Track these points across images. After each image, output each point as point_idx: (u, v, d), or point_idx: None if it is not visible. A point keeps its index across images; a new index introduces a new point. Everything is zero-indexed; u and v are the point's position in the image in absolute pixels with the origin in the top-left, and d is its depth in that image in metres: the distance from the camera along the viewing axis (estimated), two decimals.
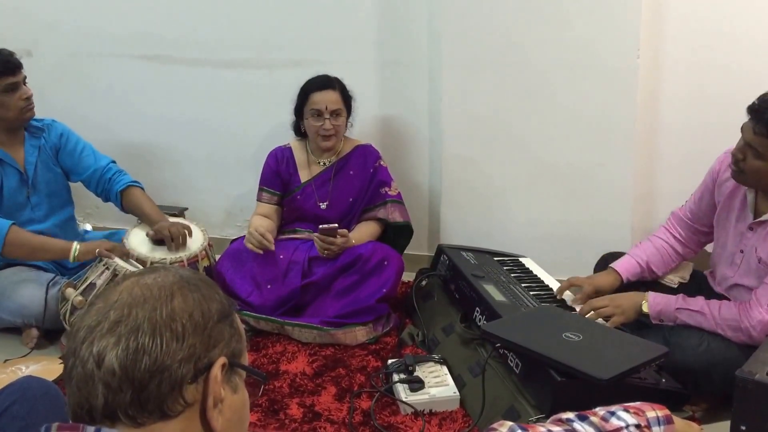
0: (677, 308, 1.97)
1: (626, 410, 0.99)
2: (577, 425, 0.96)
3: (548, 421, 1.00)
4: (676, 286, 2.23)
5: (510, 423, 0.96)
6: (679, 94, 2.60)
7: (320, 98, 2.56)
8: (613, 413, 0.98)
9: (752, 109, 1.86)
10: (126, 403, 0.75)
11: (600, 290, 2.20)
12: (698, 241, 2.27)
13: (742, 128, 1.91)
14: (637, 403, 1.02)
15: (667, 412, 1.02)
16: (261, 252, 2.47)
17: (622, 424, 0.96)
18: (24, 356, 2.30)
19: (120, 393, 0.75)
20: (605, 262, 2.34)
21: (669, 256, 2.25)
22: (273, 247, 2.49)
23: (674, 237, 2.27)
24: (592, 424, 0.97)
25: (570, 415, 0.99)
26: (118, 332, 0.76)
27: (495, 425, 0.96)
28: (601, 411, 0.99)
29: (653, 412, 1.01)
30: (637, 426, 0.96)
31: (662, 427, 1.00)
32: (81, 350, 0.77)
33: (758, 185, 1.97)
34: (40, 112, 2.55)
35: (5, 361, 2.27)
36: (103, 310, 0.79)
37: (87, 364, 0.76)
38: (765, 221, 1.96)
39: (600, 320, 2.05)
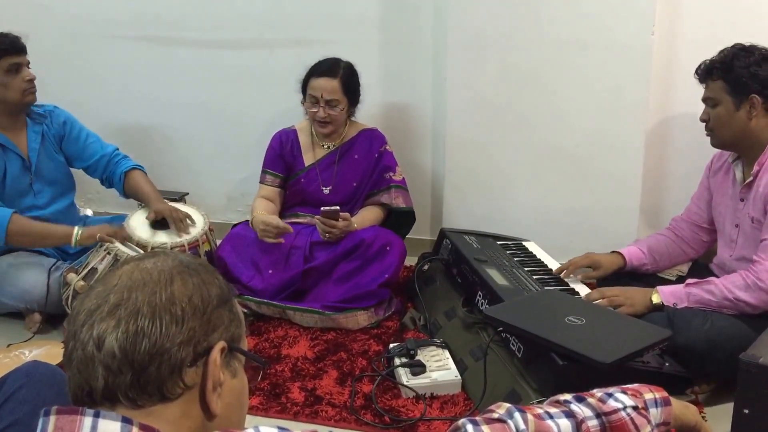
0: (687, 284, 1.98)
1: (624, 392, 0.98)
2: (574, 406, 0.96)
3: (546, 402, 1.00)
4: (674, 279, 2.24)
5: (508, 404, 0.95)
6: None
7: (318, 85, 2.53)
8: (610, 395, 0.97)
9: (696, 73, 2.07)
10: (126, 385, 0.76)
11: (598, 265, 2.24)
12: (700, 240, 2.27)
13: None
14: (635, 385, 1.02)
15: (664, 393, 1.02)
16: (282, 241, 2.47)
17: (620, 405, 0.96)
18: (27, 341, 2.31)
19: (120, 375, 0.76)
20: None
21: (672, 250, 2.27)
22: (291, 229, 2.48)
23: (677, 235, 2.29)
24: (589, 405, 0.96)
25: (567, 396, 0.99)
26: (117, 315, 0.77)
27: (493, 407, 0.96)
28: (598, 393, 0.99)
29: (651, 394, 1.01)
30: (635, 407, 0.96)
31: (660, 408, 1.00)
32: (81, 333, 0.78)
33: (732, 138, 2.03)
34: (38, 97, 2.53)
35: (8, 345, 2.28)
36: (102, 293, 0.79)
37: (87, 347, 0.77)
38: (750, 183, 2.01)
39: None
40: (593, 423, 0.95)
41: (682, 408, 1.04)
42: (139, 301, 0.77)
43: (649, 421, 0.96)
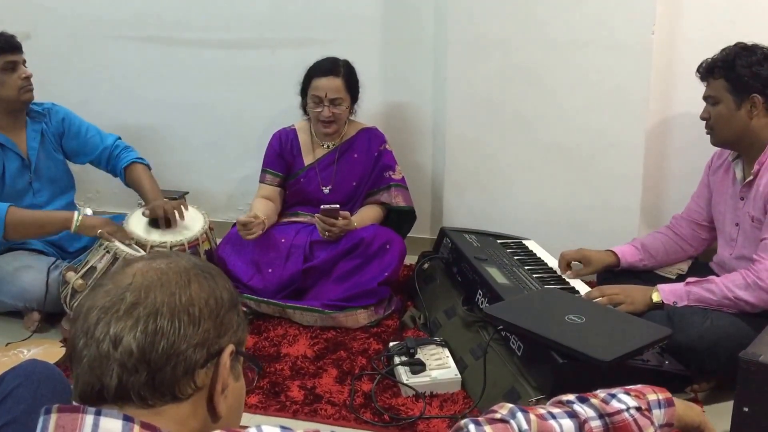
0: (687, 282, 1.98)
1: (627, 393, 0.98)
2: (577, 407, 0.96)
3: (548, 403, 1.00)
4: (674, 277, 2.24)
5: (510, 405, 0.95)
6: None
7: (321, 84, 2.54)
8: (613, 396, 0.97)
9: (698, 71, 2.08)
10: (140, 384, 0.76)
11: (588, 261, 2.27)
12: (699, 238, 2.28)
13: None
14: (638, 386, 1.02)
15: (668, 394, 1.02)
16: (262, 231, 2.45)
17: (623, 406, 0.96)
18: (25, 339, 2.30)
19: (135, 374, 0.76)
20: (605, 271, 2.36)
21: (670, 248, 2.28)
22: (260, 217, 2.44)
23: (676, 233, 2.30)
24: (592, 406, 0.96)
25: (570, 397, 0.99)
26: (136, 315, 0.77)
27: (495, 407, 0.96)
28: (601, 393, 0.99)
29: (654, 394, 1.01)
30: (638, 408, 0.96)
31: (663, 409, 1.00)
32: (95, 331, 0.78)
33: (732, 137, 2.04)
34: (39, 96, 2.54)
35: (7, 344, 2.27)
36: (114, 291, 0.79)
37: (102, 345, 0.77)
38: (750, 182, 2.02)
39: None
40: (596, 423, 0.94)
41: (685, 409, 1.04)
42: (158, 302, 0.78)
43: (652, 423, 0.96)
